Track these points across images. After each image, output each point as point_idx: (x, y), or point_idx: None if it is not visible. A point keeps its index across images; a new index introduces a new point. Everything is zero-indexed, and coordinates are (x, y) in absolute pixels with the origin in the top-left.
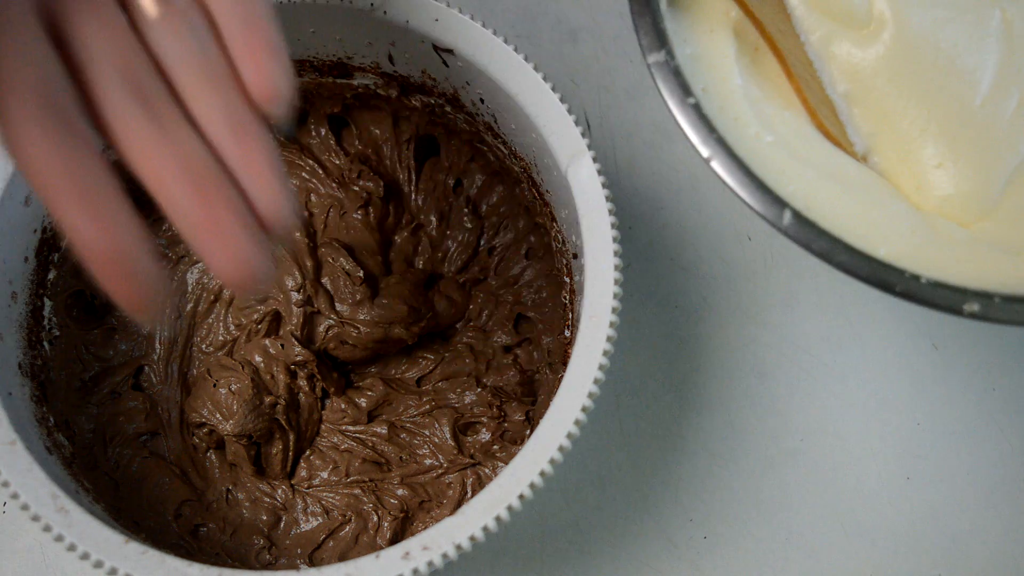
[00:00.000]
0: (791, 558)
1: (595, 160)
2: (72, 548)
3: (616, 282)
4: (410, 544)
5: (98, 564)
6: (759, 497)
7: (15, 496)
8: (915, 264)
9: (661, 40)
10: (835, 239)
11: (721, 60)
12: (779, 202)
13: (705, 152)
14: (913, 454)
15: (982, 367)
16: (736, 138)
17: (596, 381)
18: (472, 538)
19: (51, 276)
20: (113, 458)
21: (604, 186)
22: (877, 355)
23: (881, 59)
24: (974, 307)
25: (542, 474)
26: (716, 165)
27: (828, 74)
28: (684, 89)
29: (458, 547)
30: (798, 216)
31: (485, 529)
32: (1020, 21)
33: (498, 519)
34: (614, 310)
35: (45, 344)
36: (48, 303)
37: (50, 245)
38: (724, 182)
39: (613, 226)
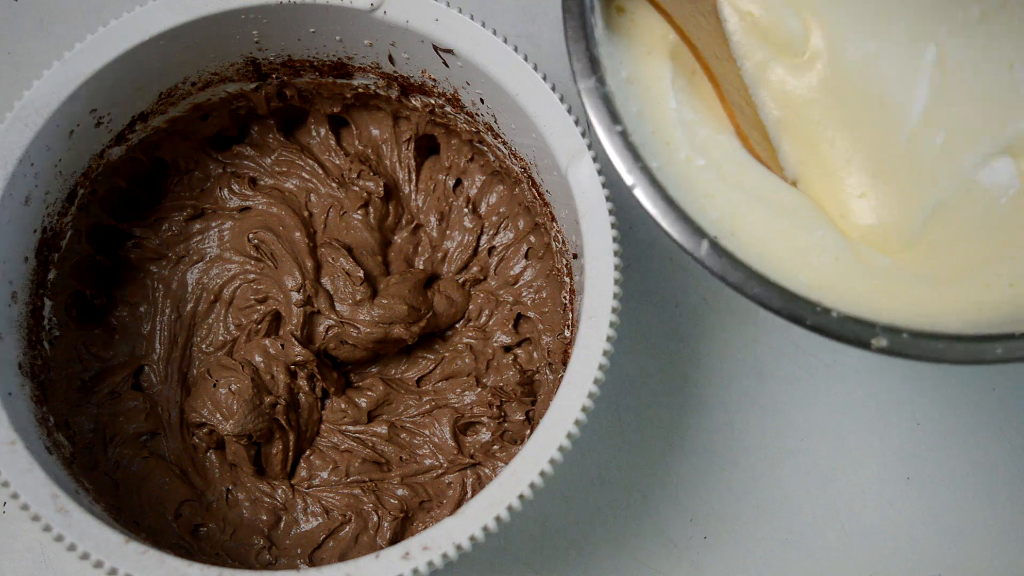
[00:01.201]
0: (791, 558)
1: (595, 160)
2: (72, 548)
3: (616, 282)
4: (410, 544)
5: (98, 564)
6: (759, 497)
7: (15, 496)
8: (836, 292)
9: (593, 66)
10: (749, 270)
11: (657, 83)
12: (698, 232)
13: (629, 180)
14: (913, 454)
15: (982, 367)
16: (666, 161)
17: (596, 381)
18: (472, 538)
19: (51, 276)
20: (113, 458)
21: (604, 186)
22: (877, 355)
23: (813, 88)
24: (882, 342)
25: (542, 474)
26: (639, 193)
27: (762, 100)
28: (612, 116)
29: (458, 547)
30: (715, 246)
31: (485, 529)
32: (957, 57)
33: (498, 519)
34: (614, 310)
35: (45, 344)
36: (48, 303)
37: (50, 245)
38: (645, 210)
39: (613, 226)
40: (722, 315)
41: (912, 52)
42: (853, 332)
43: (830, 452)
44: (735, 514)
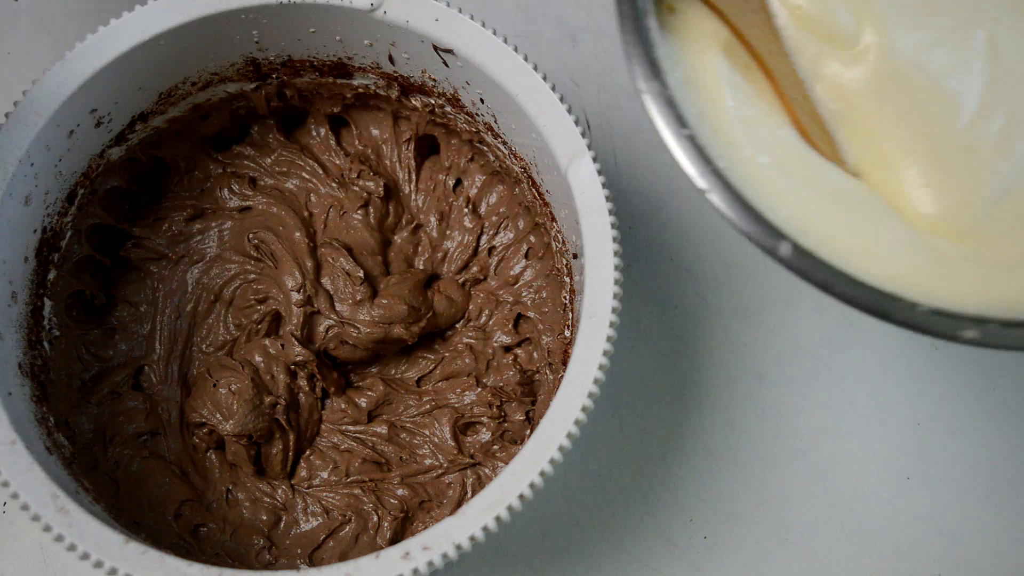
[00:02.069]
0: (791, 558)
1: (595, 160)
2: (72, 548)
3: (616, 282)
4: (410, 544)
5: (98, 564)
6: (759, 497)
7: (15, 496)
8: (910, 284)
9: (655, 69)
10: (834, 270)
11: (713, 82)
12: (776, 234)
13: (702, 184)
14: (913, 454)
15: (982, 367)
16: (730, 162)
17: (596, 381)
18: (472, 538)
19: (51, 276)
20: (113, 458)
21: (604, 186)
22: (877, 355)
23: (867, 80)
24: (971, 334)
25: (542, 474)
26: (713, 197)
27: (817, 94)
28: (679, 120)
29: (458, 547)
30: (796, 248)
31: (485, 529)
32: (1006, 40)
33: (498, 519)
34: (614, 310)
35: (45, 344)
36: (48, 303)
37: (50, 245)
38: (722, 215)
39: (613, 226)
40: (722, 315)
41: (963, 39)
42: (942, 325)
43: (830, 452)
44: (735, 514)
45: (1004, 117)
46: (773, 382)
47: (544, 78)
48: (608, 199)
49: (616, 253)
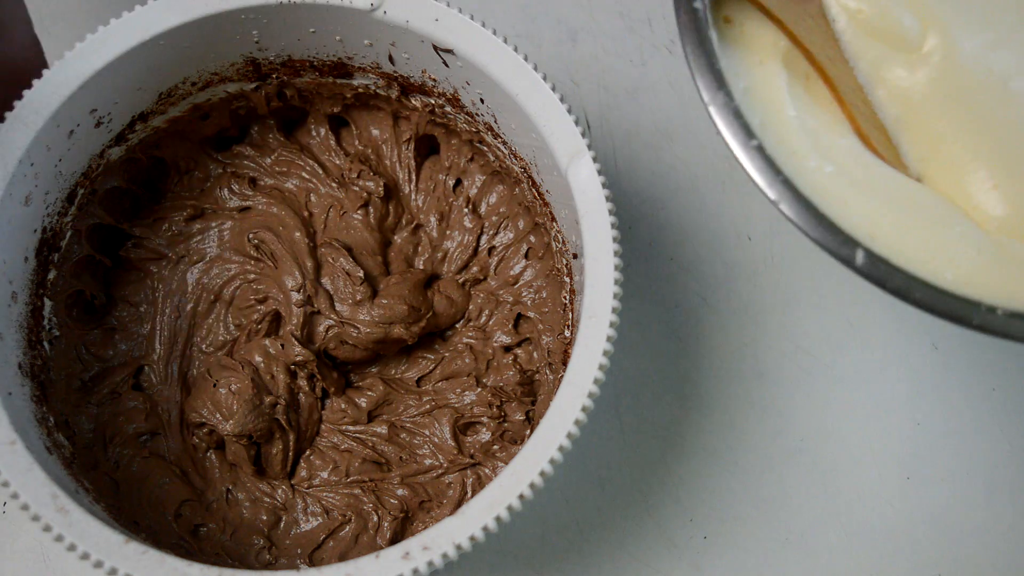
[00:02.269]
0: (791, 558)
1: (595, 160)
2: (72, 548)
3: (616, 282)
4: (410, 544)
5: (98, 564)
6: (759, 497)
7: (15, 496)
8: (982, 287)
9: (719, 81)
10: (910, 276)
11: (774, 92)
12: (851, 242)
13: (772, 195)
14: (913, 454)
15: (982, 367)
16: (796, 171)
17: (596, 381)
18: (472, 538)
19: (51, 276)
20: (113, 458)
21: (604, 186)
22: (877, 355)
23: (931, 83)
24: None
25: (542, 474)
26: (784, 208)
27: (879, 99)
28: (746, 131)
29: (458, 547)
30: (871, 255)
31: (485, 529)
32: None
33: (498, 519)
34: (614, 310)
35: (45, 344)
36: (48, 303)
37: (50, 245)
38: (794, 224)
39: (613, 226)
40: (722, 315)
41: None
42: (1020, 330)
43: (830, 452)
44: (735, 514)
45: None
46: (773, 382)
47: (544, 78)
48: (608, 199)
49: (616, 253)
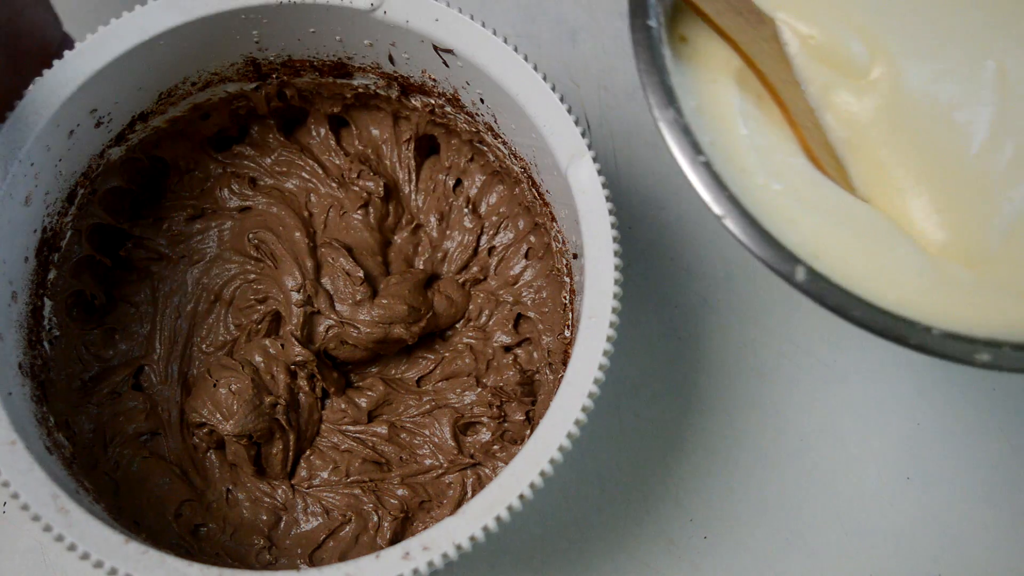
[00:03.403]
0: (791, 558)
1: (595, 160)
2: (72, 548)
3: (616, 282)
4: (410, 544)
5: (98, 564)
6: (759, 497)
7: (15, 496)
8: (924, 308)
9: (669, 97)
10: (848, 294)
11: (725, 110)
12: (792, 259)
13: (718, 210)
14: (913, 454)
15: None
16: (743, 189)
17: (596, 381)
18: (472, 538)
19: (51, 276)
20: (113, 458)
21: (604, 186)
22: (877, 355)
23: (878, 110)
24: (985, 357)
25: (542, 474)
26: (729, 223)
27: (828, 122)
28: (694, 147)
29: (458, 547)
30: (811, 272)
31: (485, 529)
32: (1016, 71)
33: (498, 519)
34: (614, 310)
35: (45, 344)
36: (48, 303)
37: (50, 245)
38: (737, 239)
39: (613, 226)
40: (722, 315)
41: (972, 70)
42: (955, 349)
43: (830, 452)
44: (735, 514)
45: (1014, 146)
46: (773, 382)
47: (544, 78)
48: (608, 199)
49: (616, 253)
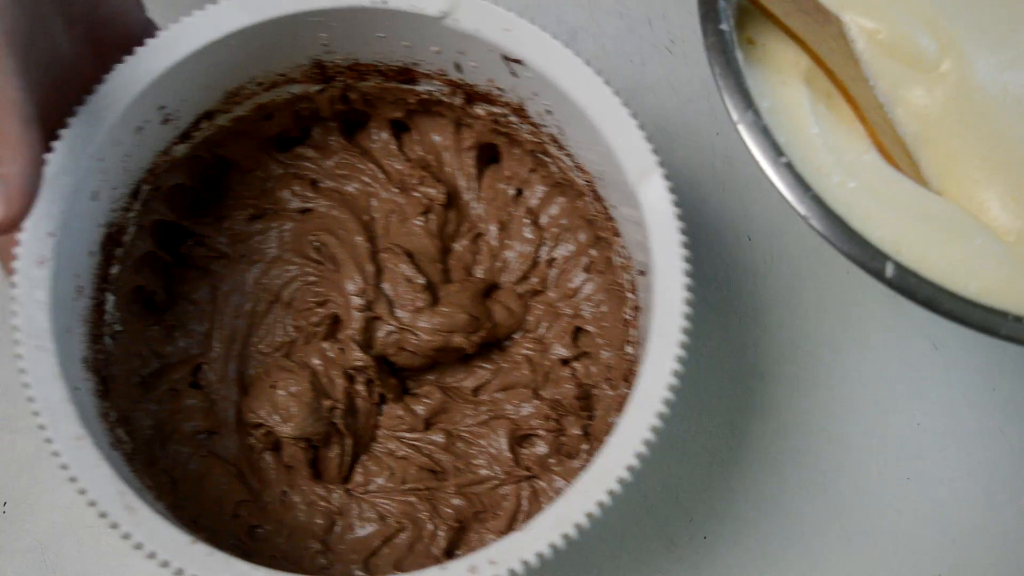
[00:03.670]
0: (791, 558)
1: (667, 178)
2: (139, 547)
3: (687, 302)
4: (476, 558)
5: (164, 564)
6: (759, 497)
7: (82, 492)
8: (1006, 298)
9: (747, 100)
10: (939, 288)
11: (797, 111)
12: (880, 255)
13: (802, 210)
14: (913, 454)
15: (982, 368)
16: (820, 188)
17: (666, 402)
18: (539, 554)
19: (114, 271)
20: (171, 455)
21: (675, 204)
22: (877, 356)
23: (948, 102)
24: None
25: (610, 493)
26: (815, 223)
27: (898, 117)
28: (775, 148)
29: (525, 563)
30: (900, 267)
31: (552, 546)
32: None
33: (565, 536)
34: (685, 330)
35: (107, 339)
36: (111, 298)
37: (114, 240)
38: (825, 239)
39: (685, 245)
40: (722, 315)
41: None
42: None
43: (830, 452)
44: (735, 514)
45: None
46: (773, 382)
47: (616, 93)
48: (679, 217)
49: (687, 273)
